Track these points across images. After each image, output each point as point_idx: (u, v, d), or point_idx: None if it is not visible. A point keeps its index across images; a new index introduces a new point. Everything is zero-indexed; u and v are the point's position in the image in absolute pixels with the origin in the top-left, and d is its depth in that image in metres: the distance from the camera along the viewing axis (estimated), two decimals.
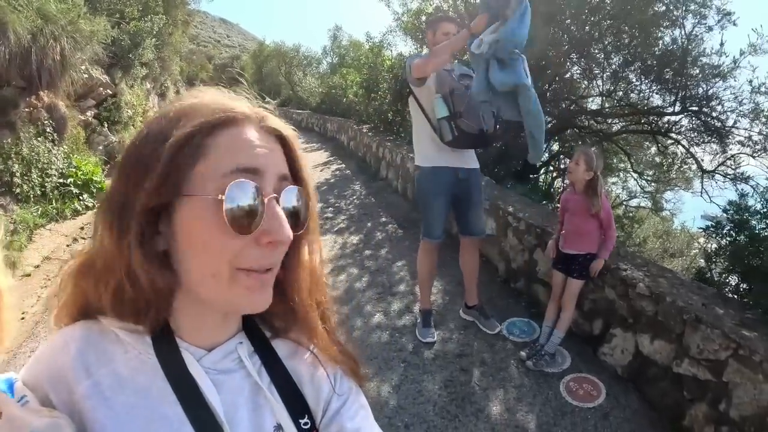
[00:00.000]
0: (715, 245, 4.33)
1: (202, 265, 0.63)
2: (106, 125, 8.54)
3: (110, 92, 8.70)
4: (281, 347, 0.78)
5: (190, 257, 0.63)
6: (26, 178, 5.73)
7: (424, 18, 8.14)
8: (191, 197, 0.61)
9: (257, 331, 0.77)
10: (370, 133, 10.45)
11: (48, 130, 6.32)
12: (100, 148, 8.22)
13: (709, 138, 5.83)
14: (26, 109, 6.05)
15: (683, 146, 6.35)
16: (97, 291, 0.66)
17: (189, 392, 0.66)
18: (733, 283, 3.53)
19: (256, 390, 0.71)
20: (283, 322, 0.77)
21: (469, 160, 3.60)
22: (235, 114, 0.66)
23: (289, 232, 0.65)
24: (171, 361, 0.67)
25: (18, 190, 5.58)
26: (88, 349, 0.66)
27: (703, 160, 6.23)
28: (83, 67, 7.35)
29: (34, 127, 6.10)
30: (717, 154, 5.94)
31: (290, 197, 0.67)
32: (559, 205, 3.72)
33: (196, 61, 41.43)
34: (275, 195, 0.65)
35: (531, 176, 7.36)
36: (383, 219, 6.76)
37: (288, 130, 0.72)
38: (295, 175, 0.71)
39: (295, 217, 0.68)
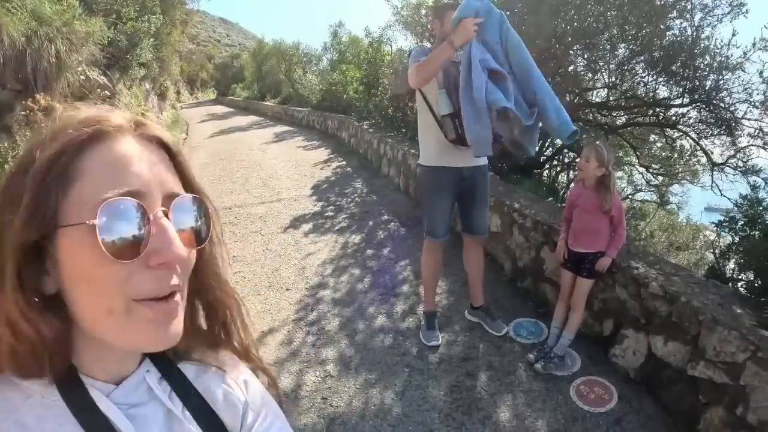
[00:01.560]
0: (724, 240, 4.23)
1: (93, 303, 0.56)
2: None
3: (108, 93, 8.65)
4: (188, 370, 0.73)
5: (79, 295, 0.56)
6: None
7: (423, 11, 8.03)
8: (66, 228, 0.54)
9: (162, 355, 0.71)
10: (371, 130, 10.36)
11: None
12: None
13: (719, 130, 5.72)
14: (22, 113, 5.98)
15: (692, 138, 6.24)
16: None
17: None
18: (747, 281, 3.42)
19: (171, 418, 0.66)
20: (189, 343, 0.72)
21: (476, 157, 3.41)
22: (105, 126, 0.58)
23: (182, 249, 0.58)
24: (79, 402, 0.59)
25: None
26: None
27: (712, 153, 6.13)
28: (80, 69, 7.30)
29: (31, 129, 6.03)
30: (726, 146, 5.84)
31: (182, 210, 0.61)
32: (565, 201, 3.62)
33: (196, 61, 41.67)
34: (163, 209, 0.58)
35: (535, 171, 7.26)
36: (385, 217, 6.65)
37: (169, 136, 0.65)
38: (186, 185, 0.65)
39: (194, 230, 0.63)
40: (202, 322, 0.74)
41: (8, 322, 0.54)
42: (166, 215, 0.58)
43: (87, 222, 0.53)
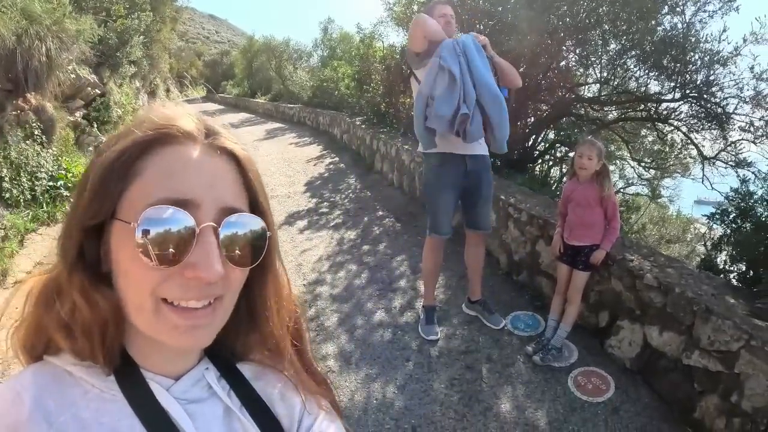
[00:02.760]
0: (716, 232, 4.30)
1: (128, 295, 0.58)
2: (95, 125, 8.45)
3: (99, 92, 8.61)
4: (246, 369, 0.74)
5: (120, 284, 0.59)
6: (15, 182, 5.62)
7: (416, 8, 8.04)
8: (118, 221, 0.57)
9: (221, 354, 0.73)
10: (363, 126, 10.36)
11: (36, 132, 6.20)
12: (90, 148, 8.10)
13: (710, 124, 5.78)
14: (13, 112, 5.93)
15: (683, 132, 6.29)
16: (50, 320, 0.60)
17: (162, 426, 0.60)
18: (739, 272, 3.49)
19: (229, 416, 0.67)
20: (250, 347, 0.75)
21: (478, 145, 3.41)
22: (172, 130, 0.59)
23: (219, 269, 0.57)
24: (139, 395, 0.61)
25: (7, 195, 5.47)
26: (44, 396, 0.58)
27: (703, 147, 6.19)
28: (70, 68, 7.25)
29: (22, 129, 5.99)
30: (717, 140, 5.90)
31: (235, 227, 0.60)
32: (558, 195, 3.67)
33: (185, 58, 41.38)
34: (213, 225, 0.58)
35: (528, 166, 7.30)
36: (380, 213, 6.68)
37: (241, 150, 0.65)
38: (253, 202, 0.65)
39: (247, 249, 0.62)
40: (263, 331, 0.74)
41: (67, 294, 0.58)
42: (216, 230, 0.58)
43: (131, 222, 0.55)
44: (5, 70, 5.71)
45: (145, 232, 0.54)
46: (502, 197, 4.75)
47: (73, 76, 7.39)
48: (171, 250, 0.55)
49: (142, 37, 10.14)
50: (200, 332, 0.60)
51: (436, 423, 2.83)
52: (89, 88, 8.21)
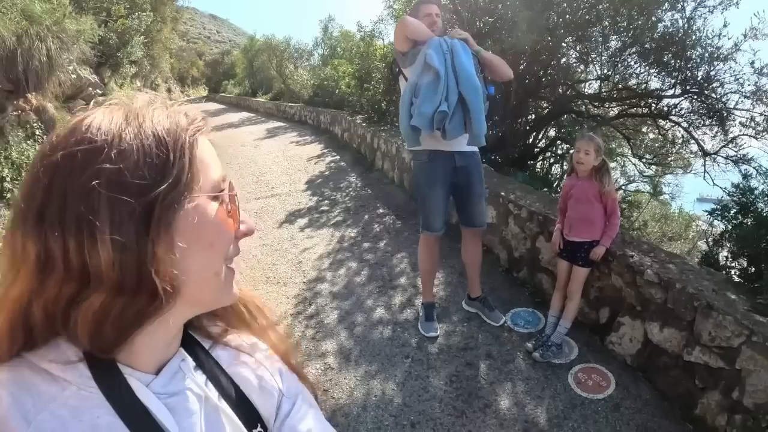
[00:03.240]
0: (717, 228, 4.28)
1: (207, 266, 0.64)
2: None
3: (99, 92, 8.62)
4: (222, 356, 0.75)
5: (195, 261, 0.62)
6: (17, 182, 5.63)
7: (410, 9, 8.04)
8: (197, 196, 0.61)
9: (195, 343, 0.74)
10: (363, 124, 10.34)
11: (37, 132, 6.22)
12: None
13: (710, 120, 5.76)
14: (14, 113, 5.95)
15: (683, 129, 6.28)
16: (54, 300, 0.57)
17: (143, 423, 0.60)
18: (740, 268, 3.47)
19: (208, 406, 0.68)
20: (224, 321, 0.79)
21: (464, 141, 3.38)
22: (201, 125, 0.67)
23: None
24: (118, 392, 0.60)
25: (9, 195, 5.48)
26: (22, 393, 0.57)
27: (704, 143, 6.18)
28: (71, 68, 7.27)
29: (23, 130, 6.01)
30: (718, 135, 5.89)
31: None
32: (559, 192, 3.65)
33: (186, 58, 41.41)
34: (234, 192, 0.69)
35: (529, 162, 7.29)
36: (380, 210, 6.67)
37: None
38: None
39: None
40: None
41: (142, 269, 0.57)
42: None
43: (217, 197, 0.64)
44: (6, 71, 5.72)
45: (231, 199, 0.66)
46: (502, 194, 4.73)
47: (73, 76, 7.42)
48: (234, 216, 0.66)
49: (142, 37, 10.16)
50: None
51: (435, 420, 2.82)
52: (90, 88, 8.24)
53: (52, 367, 0.58)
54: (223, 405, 0.69)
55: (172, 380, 0.66)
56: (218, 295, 0.68)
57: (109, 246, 0.54)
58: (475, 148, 3.47)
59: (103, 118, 0.59)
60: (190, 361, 0.70)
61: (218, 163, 0.67)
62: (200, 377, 0.69)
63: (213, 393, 0.69)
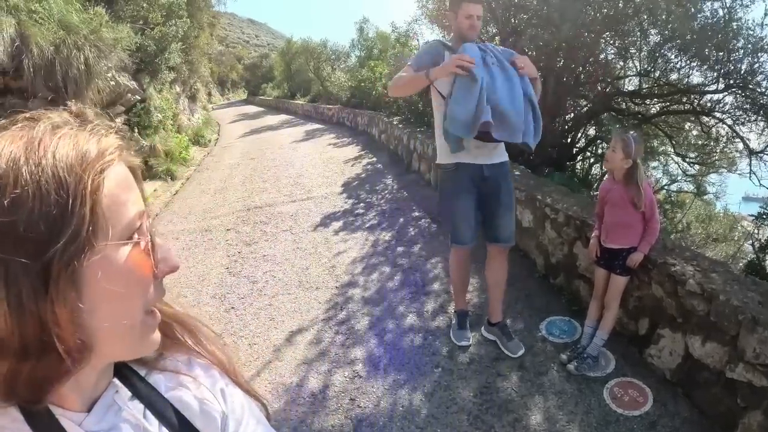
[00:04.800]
0: (764, 232, 4.06)
1: (119, 319, 0.57)
2: (136, 130, 8.66)
3: (138, 98, 8.82)
4: (161, 381, 0.71)
5: (103, 315, 0.56)
6: None
7: (448, 3, 7.94)
8: (102, 246, 0.54)
9: (130, 371, 0.69)
10: (400, 126, 10.30)
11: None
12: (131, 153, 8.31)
13: (756, 116, 5.48)
14: None
15: (728, 125, 5.99)
16: None
17: None
18: None
19: None
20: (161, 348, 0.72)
21: (496, 154, 3.24)
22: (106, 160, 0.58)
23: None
24: None
25: None
26: None
27: (749, 140, 5.89)
28: (109, 75, 7.45)
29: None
30: (764, 132, 5.61)
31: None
32: (597, 193, 3.51)
33: (225, 62, 42.27)
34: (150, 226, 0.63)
35: (568, 163, 7.11)
36: (416, 214, 6.61)
37: (135, 159, 0.65)
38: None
39: None
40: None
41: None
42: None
43: (129, 241, 0.57)
44: (45, 79, 5.90)
45: (138, 245, 0.58)
46: (539, 197, 4.60)
47: (112, 83, 7.60)
48: (150, 256, 0.59)
49: (180, 43, 10.35)
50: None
51: None
52: (129, 95, 8.43)
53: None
54: None
55: (106, 415, 0.62)
56: (134, 349, 0.62)
57: (5, 311, 0.49)
58: (505, 159, 3.30)
59: None
60: (125, 392, 0.66)
61: (137, 194, 0.60)
62: (137, 407, 0.66)
63: (153, 422, 0.66)
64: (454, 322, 3.69)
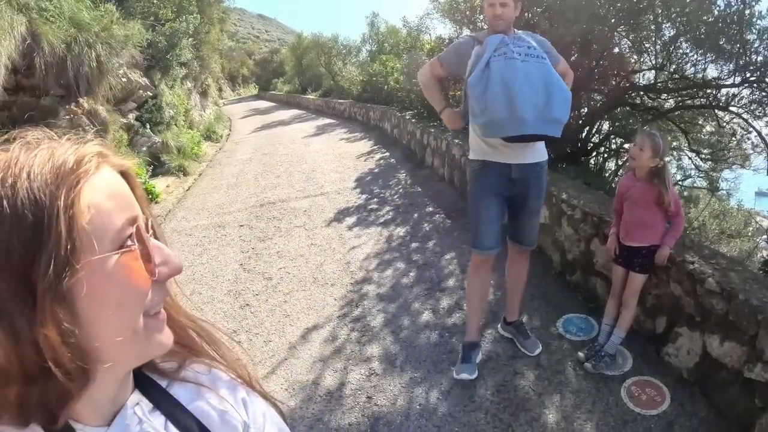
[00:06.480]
0: None
1: (119, 328, 0.57)
2: (148, 126, 8.71)
3: (150, 94, 8.88)
4: (181, 393, 0.72)
5: (103, 325, 0.55)
6: None
7: None
8: (92, 260, 0.53)
9: (151, 383, 0.71)
10: (413, 120, 10.28)
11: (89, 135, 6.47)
12: (144, 149, 8.39)
13: None
14: (66, 117, 6.17)
15: (744, 120, 5.90)
16: None
17: None
18: None
19: None
20: (175, 355, 0.73)
21: (529, 153, 3.02)
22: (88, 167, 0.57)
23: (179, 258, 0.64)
24: None
25: None
26: None
27: (767, 135, 5.79)
28: (121, 72, 7.50)
29: (75, 133, 6.26)
30: None
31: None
32: (614, 190, 3.48)
33: (236, 58, 42.35)
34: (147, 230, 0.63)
35: (582, 158, 7.05)
36: (430, 209, 6.61)
37: (129, 164, 0.65)
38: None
39: None
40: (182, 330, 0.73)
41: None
42: (154, 234, 0.63)
43: (121, 250, 0.55)
44: (57, 77, 5.95)
45: (132, 251, 0.57)
46: (555, 193, 4.58)
47: (124, 79, 7.65)
48: (149, 260, 0.59)
49: (190, 39, 10.39)
50: (167, 328, 0.64)
51: None
52: (141, 91, 8.49)
53: (7, 430, 0.56)
54: None
55: (128, 429, 0.63)
56: (141, 353, 0.62)
57: (1, 339, 0.49)
58: (538, 159, 3.07)
59: None
60: (146, 404, 0.67)
61: (127, 198, 0.59)
62: (158, 419, 0.66)
63: None
64: (459, 355, 3.30)
